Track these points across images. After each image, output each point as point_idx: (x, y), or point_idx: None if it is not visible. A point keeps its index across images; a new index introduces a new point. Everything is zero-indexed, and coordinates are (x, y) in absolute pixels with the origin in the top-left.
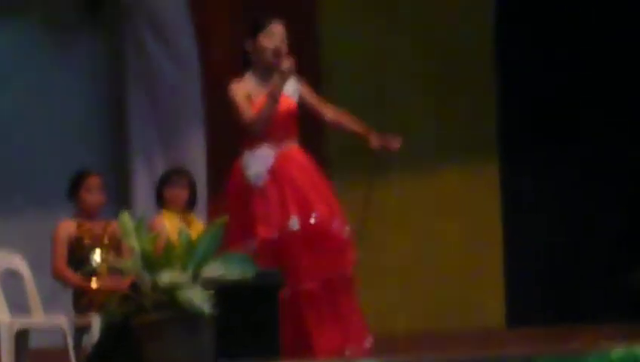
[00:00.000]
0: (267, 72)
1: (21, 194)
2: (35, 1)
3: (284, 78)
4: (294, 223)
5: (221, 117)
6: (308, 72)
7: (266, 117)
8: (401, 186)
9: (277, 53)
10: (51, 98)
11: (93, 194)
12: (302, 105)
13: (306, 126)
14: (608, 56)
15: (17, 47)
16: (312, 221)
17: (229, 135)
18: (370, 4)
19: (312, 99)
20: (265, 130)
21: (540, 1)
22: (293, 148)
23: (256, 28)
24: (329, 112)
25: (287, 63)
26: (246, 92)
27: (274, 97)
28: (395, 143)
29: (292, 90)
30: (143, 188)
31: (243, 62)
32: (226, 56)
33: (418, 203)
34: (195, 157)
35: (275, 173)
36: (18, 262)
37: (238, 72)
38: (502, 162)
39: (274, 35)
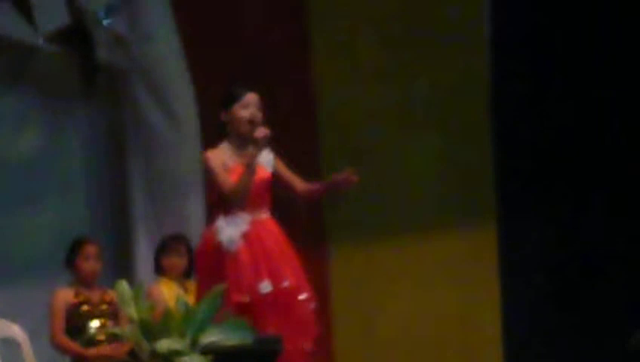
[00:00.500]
0: (243, 141)
1: (19, 261)
2: (35, 70)
3: (259, 147)
4: (266, 286)
5: None
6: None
7: (245, 186)
8: (396, 252)
9: (253, 122)
10: (50, 167)
11: (90, 262)
12: (276, 178)
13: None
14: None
15: (17, 116)
16: (284, 285)
17: None
18: (367, 64)
19: (286, 172)
20: (243, 200)
21: (536, 60)
22: (266, 218)
23: (231, 98)
24: (301, 185)
25: (262, 132)
26: (221, 161)
27: (251, 166)
28: (352, 178)
29: (266, 161)
30: (143, 256)
31: (218, 133)
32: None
33: (416, 265)
34: (195, 222)
35: (248, 239)
36: (16, 331)
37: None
38: (501, 224)
39: (249, 105)
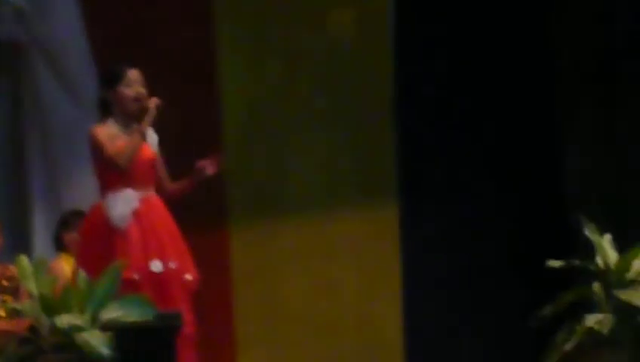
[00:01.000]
0: (129, 120)
1: None
2: None
3: (151, 115)
4: (156, 265)
5: None
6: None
7: (131, 151)
8: (297, 231)
9: (139, 100)
10: None
11: None
12: None
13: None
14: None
15: None
16: (171, 266)
17: None
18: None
19: (161, 168)
20: (128, 169)
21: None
22: (153, 196)
23: (114, 77)
24: (170, 185)
25: (153, 101)
26: (109, 134)
27: (142, 133)
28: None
29: (152, 141)
30: (41, 232)
31: (102, 112)
32: None
33: (313, 249)
34: (93, 198)
35: (138, 216)
36: None
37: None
38: (402, 203)
39: (133, 83)
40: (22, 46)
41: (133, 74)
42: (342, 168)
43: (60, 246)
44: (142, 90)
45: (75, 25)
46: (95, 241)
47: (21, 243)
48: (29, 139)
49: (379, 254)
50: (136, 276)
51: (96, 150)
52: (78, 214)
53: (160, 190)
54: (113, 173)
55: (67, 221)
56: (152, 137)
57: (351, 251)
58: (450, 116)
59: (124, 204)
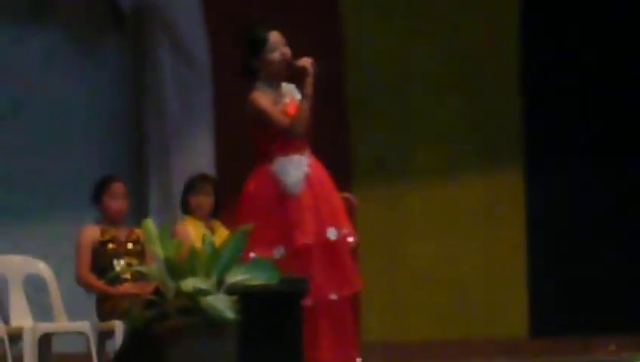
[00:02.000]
0: (277, 83)
1: (45, 199)
2: (61, 11)
3: (309, 75)
4: (332, 233)
5: (230, 123)
6: (331, 72)
7: (305, 119)
8: (426, 193)
9: (287, 60)
10: (75, 104)
11: (117, 200)
12: None
13: (333, 138)
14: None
15: (43, 56)
16: (345, 232)
17: (238, 141)
18: (392, 5)
19: None
20: (303, 133)
21: (563, 11)
22: (314, 159)
23: (258, 44)
24: None
25: (307, 61)
26: (270, 100)
27: (309, 97)
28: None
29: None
30: (156, 195)
31: (249, 78)
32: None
33: (440, 210)
34: (204, 161)
35: (309, 181)
36: (42, 268)
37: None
38: (526, 169)
39: (277, 46)
40: (142, 13)
41: (275, 36)
42: (466, 132)
43: (185, 209)
44: (286, 50)
45: None
46: (262, 206)
47: (140, 206)
48: (146, 104)
49: (503, 218)
50: (310, 241)
51: (260, 117)
52: (204, 178)
53: None
54: (280, 139)
55: (194, 184)
56: (297, 96)
57: (475, 215)
58: (575, 79)
59: (295, 169)
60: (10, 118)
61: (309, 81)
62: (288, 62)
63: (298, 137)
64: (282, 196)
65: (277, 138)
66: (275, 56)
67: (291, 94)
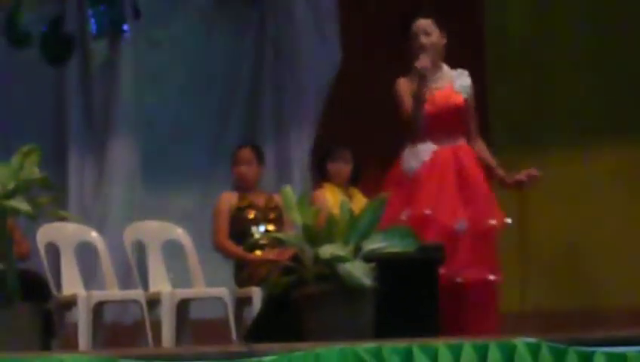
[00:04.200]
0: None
1: (181, 170)
2: None
3: (422, 77)
4: (461, 225)
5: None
6: (474, 59)
7: (415, 116)
8: (568, 163)
9: (423, 49)
10: (206, 72)
11: (241, 166)
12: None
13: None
14: None
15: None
16: (488, 221)
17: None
18: None
19: (470, 117)
20: (423, 127)
21: None
22: (456, 145)
23: (404, 31)
24: (474, 144)
25: (422, 62)
26: (411, 89)
27: (417, 97)
28: (533, 173)
29: (460, 86)
30: (297, 159)
31: (408, 63)
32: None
33: (586, 179)
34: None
35: (430, 168)
36: (180, 233)
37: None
38: None
39: (417, 35)
40: None
41: (416, 26)
42: (600, 108)
43: (324, 176)
44: (425, 40)
45: None
46: (394, 183)
47: (284, 172)
48: (270, 71)
49: (636, 193)
50: (428, 211)
51: (398, 104)
52: (340, 145)
53: (469, 139)
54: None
55: (332, 151)
56: (463, 81)
57: (608, 189)
58: None
59: (415, 157)
60: None
61: (421, 82)
62: (425, 52)
63: (413, 128)
64: (400, 182)
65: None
66: (415, 43)
67: (450, 80)
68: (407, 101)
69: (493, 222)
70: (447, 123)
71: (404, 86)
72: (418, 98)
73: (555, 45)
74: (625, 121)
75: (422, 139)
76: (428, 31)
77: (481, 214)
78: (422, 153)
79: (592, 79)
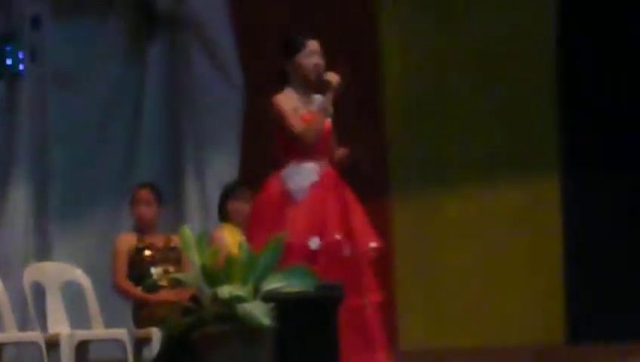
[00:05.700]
0: (307, 89)
1: (83, 207)
2: (111, 11)
3: (333, 91)
4: (314, 243)
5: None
6: (368, 70)
7: (318, 129)
8: (457, 203)
9: (318, 69)
10: (117, 107)
11: (141, 207)
12: None
13: (370, 138)
14: None
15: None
16: (337, 238)
17: (265, 146)
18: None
19: (333, 139)
20: (314, 143)
21: (603, 13)
22: (330, 168)
23: (294, 47)
24: (334, 153)
25: (335, 77)
26: (293, 106)
27: (326, 110)
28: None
29: (328, 113)
30: (194, 199)
31: (280, 81)
32: (268, 67)
33: (478, 214)
34: (229, 168)
35: (313, 190)
36: (79, 275)
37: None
38: (564, 174)
39: (313, 54)
40: (178, 20)
41: (313, 45)
42: (501, 141)
43: (223, 216)
44: (320, 61)
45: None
46: (268, 211)
47: (177, 214)
48: (183, 114)
49: (540, 226)
50: (314, 245)
51: (279, 121)
52: (241, 184)
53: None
54: (295, 145)
55: (231, 190)
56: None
57: (511, 223)
58: (612, 88)
59: (303, 176)
60: None
61: (329, 96)
62: (319, 73)
63: (307, 145)
64: (285, 201)
65: (293, 143)
66: (308, 61)
67: (318, 104)
68: (294, 117)
69: (373, 244)
70: (322, 145)
71: (286, 102)
72: (327, 111)
73: (454, 92)
74: (522, 160)
75: (304, 158)
76: (321, 53)
77: (364, 237)
78: (308, 172)
79: (487, 120)
